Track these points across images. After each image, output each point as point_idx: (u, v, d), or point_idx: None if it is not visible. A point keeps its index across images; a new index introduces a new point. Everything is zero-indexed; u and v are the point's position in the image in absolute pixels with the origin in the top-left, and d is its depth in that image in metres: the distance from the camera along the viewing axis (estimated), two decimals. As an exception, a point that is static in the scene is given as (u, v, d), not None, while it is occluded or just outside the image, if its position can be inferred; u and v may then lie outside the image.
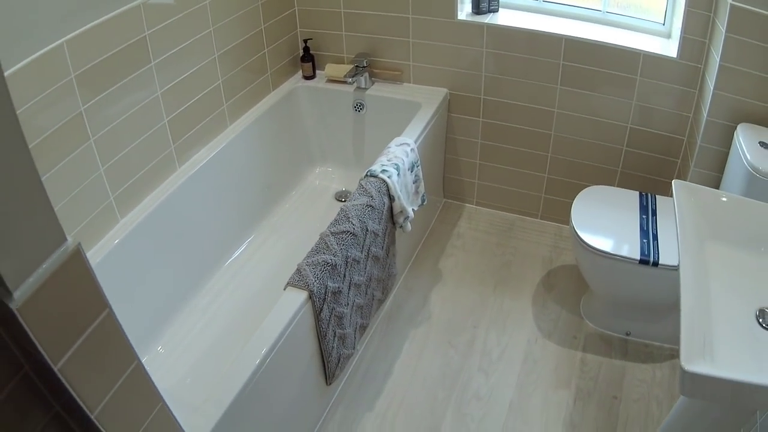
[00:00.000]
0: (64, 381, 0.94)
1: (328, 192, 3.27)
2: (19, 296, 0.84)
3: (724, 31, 2.14)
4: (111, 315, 1.02)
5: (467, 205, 3.36)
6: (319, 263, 2.01)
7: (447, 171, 3.30)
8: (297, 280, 1.97)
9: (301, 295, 1.93)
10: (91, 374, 1.01)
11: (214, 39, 2.59)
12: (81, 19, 1.95)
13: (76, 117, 2.01)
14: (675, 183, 1.76)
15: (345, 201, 2.60)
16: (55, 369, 0.92)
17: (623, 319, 2.56)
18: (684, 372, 1.22)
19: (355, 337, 2.35)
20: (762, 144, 2.08)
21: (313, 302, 1.96)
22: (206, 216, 2.70)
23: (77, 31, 1.94)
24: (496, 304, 2.76)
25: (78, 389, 0.97)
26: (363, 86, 3.09)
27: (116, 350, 1.06)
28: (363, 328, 2.43)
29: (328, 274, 2.02)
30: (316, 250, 2.07)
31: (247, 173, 2.92)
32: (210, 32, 2.56)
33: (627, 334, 2.57)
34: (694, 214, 1.69)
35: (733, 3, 2.07)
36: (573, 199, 2.54)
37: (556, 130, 2.93)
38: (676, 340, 2.33)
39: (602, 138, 2.86)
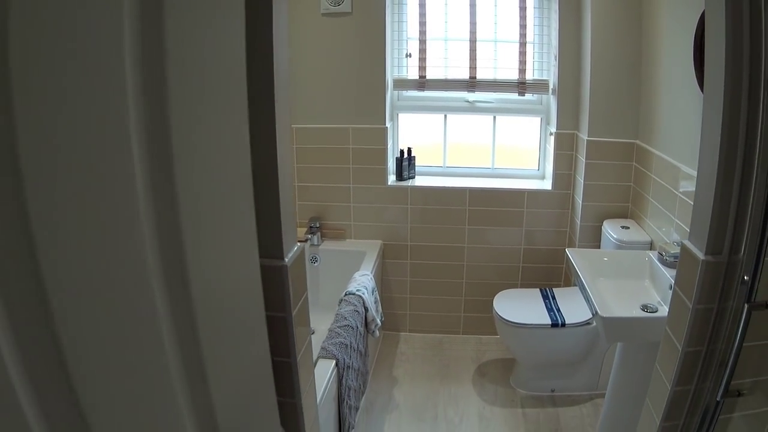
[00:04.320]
0: (293, 326, 1.49)
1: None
2: (288, 260, 1.43)
3: (584, 160, 3.13)
4: (307, 297, 1.58)
5: (402, 333, 3.99)
6: (336, 343, 2.57)
7: (383, 308, 3.94)
8: (325, 354, 2.51)
9: (330, 363, 2.47)
10: (302, 315, 1.56)
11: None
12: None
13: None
14: (569, 250, 2.62)
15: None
16: (292, 316, 1.48)
17: (546, 380, 3.22)
18: (602, 318, 2.05)
19: (355, 413, 2.83)
20: (623, 227, 3.03)
21: (338, 369, 2.50)
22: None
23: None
24: (446, 391, 3.33)
25: (296, 335, 1.52)
26: (316, 243, 3.77)
27: (305, 324, 1.61)
28: (356, 409, 2.91)
29: (344, 350, 2.58)
30: (330, 336, 2.63)
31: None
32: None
33: (552, 391, 3.22)
34: (586, 265, 2.52)
35: (588, 139, 3.08)
36: (486, 314, 3.27)
37: (467, 261, 3.73)
38: (592, 387, 3.03)
39: (503, 260, 3.69)
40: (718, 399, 1.61)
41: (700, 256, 1.48)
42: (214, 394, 0.73)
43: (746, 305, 1.46)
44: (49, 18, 0.47)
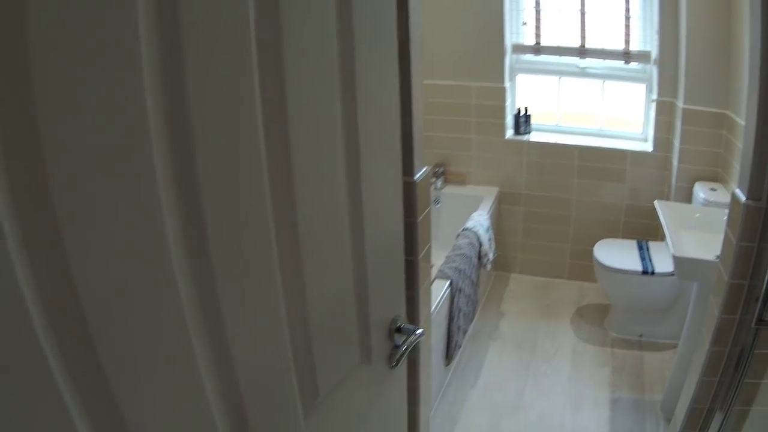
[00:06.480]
0: (417, 230, 1.89)
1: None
2: (417, 178, 1.83)
3: (680, 126, 3.34)
4: (429, 211, 1.99)
5: (512, 274, 4.34)
6: (452, 267, 2.98)
7: (498, 249, 4.29)
8: (441, 275, 2.92)
9: (445, 283, 2.87)
10: (425, 223, 1.96)
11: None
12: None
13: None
14: (657, 203, 2.85)
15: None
16: (417, 222, 1.88)
17: (636, 325, 3.49)
18: (676, 258, 2.30)
19: (463, 335, 3.24)
20: (711, 189, 3.23)
21: (452, 289, 2.90)
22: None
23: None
24: (545, 326, 3.68)
25: (420, 238, 1.92)
26: (438, 187, 4.17)
27: (427, 230, 2.02)
28: (464, 332, 3.32)
29: (458, 274, 2.98)
30: (447, 261, 3.04)
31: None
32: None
33: (640, 336, 3.49)
34: (672, 217, 2.76)
35: (684, 106, 3.29)
36: (589, 262, 3.54)
37: (575, 212, 4.01)
38: (676, 336, 3.27)
39: (607, 214, 3.94)
40: (752, 326, 1.84)
41: (743, 200, 1.75)
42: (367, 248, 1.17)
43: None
44: None
